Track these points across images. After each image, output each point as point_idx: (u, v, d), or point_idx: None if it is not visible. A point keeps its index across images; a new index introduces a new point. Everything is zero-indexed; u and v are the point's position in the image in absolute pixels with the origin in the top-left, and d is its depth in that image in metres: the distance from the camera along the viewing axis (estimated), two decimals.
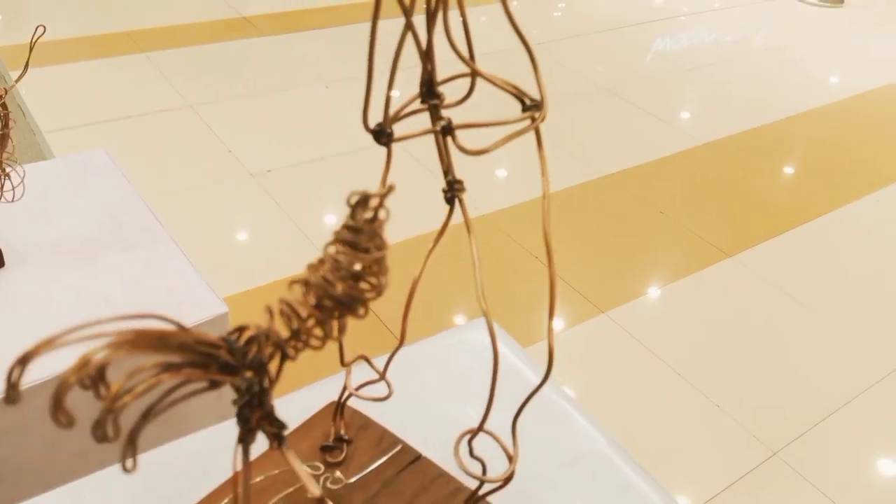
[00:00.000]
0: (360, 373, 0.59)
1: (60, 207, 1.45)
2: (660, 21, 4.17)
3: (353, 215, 0.29)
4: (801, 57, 3.92)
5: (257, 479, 0.53)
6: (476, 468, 0.50)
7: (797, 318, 2.10)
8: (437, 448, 0.58)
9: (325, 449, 0.57)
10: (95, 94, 2.81)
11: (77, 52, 3.07)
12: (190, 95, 2.85)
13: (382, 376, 0.55)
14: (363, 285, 0.29)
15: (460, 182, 0.41)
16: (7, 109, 1.30)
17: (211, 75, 3.04)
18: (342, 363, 0.53)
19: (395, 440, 0.59)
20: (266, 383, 0.29)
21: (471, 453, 0.49)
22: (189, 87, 2.91)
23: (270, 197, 2.30)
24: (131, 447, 0.25)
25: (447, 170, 0.41)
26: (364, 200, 0.29)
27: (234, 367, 0.28)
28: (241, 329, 0.29)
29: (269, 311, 0.30)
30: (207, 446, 0.64)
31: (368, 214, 0.29)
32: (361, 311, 0.29)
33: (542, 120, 0.41)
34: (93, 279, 1.24)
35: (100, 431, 0.24)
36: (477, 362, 0.77)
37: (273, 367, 0.30)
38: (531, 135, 0.42)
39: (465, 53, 0.38)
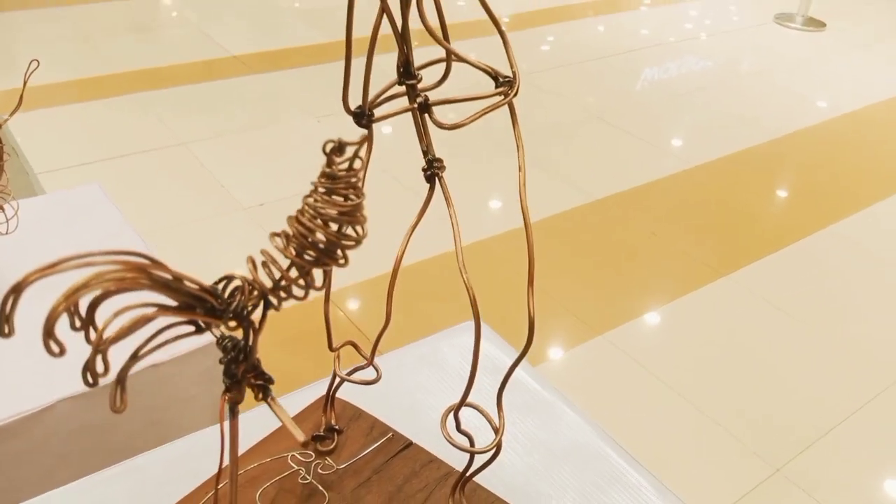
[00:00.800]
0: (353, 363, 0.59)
1: (54, 241, 1.46)
2: (646, 49, 4.23)
3: (328, 163, 0.30)
4: (786, 80, 3.98)
5: (249, 467, 0.53)
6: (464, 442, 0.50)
7: (793, 335, 2.11)
8: (429, 442, 0.58)
9: (317, 438, 0.58)
10: (88, 135, 2.83)
11: (68, 94, 3.10)
12: (182, 133, 2.87)
13: (370, 361, 0.56)
14: (342, 232, 0.30)
15: (440, 160, 0.42)
16: (1, 143, 1.31)
17: (202, 113, 3.07)
18: (330, 348, 0.53)
19: (387, 429, 0.59)
20: (250, 334, 0.30)
21: (458, 427, 0.50)
22: (180, 125, 2.94)
23: (263, 230, 2.31)
24: (120, 387, 0.26)
25: (426, 149, 0.42)
26: (339, 148, 0.30)
27: (219, 311, 0.29)
28: (227, 278, 0.30)
29: (252, 262, 0.31)
30: (200, 449, 0.65)
31: (344, 163, 0.30)
32: (342, 259, 0.30)
33: (515, 95, 0.42)
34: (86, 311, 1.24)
35: (90, 371, 0.24)
36: (468, 362, 0.77)
37: (256, 317, 0.30)
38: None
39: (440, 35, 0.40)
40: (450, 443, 0.48)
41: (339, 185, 0.30)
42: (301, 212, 0.31)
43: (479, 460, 0.49)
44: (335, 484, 0.54)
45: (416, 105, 0.42)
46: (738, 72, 4.05)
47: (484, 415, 0.50)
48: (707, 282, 2.32)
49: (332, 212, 0.30)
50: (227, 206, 2.46)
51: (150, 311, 0.27)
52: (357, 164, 0.30)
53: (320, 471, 0.55)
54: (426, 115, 0.42)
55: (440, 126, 0.41)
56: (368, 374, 0.56)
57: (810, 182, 2.98)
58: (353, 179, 0.30)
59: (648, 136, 3.20)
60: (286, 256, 0.31)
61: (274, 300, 0.31)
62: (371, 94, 0.41)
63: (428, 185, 0.43)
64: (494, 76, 0.43)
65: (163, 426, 1.15)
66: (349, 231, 0.31)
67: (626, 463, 0.65)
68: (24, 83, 1.28)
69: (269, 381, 0.32)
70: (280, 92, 3.33)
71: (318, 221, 0.30)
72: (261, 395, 0.32)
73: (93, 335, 0.25)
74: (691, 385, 1.90)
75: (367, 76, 0.40)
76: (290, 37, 3.94)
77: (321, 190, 0.30)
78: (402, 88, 0.43)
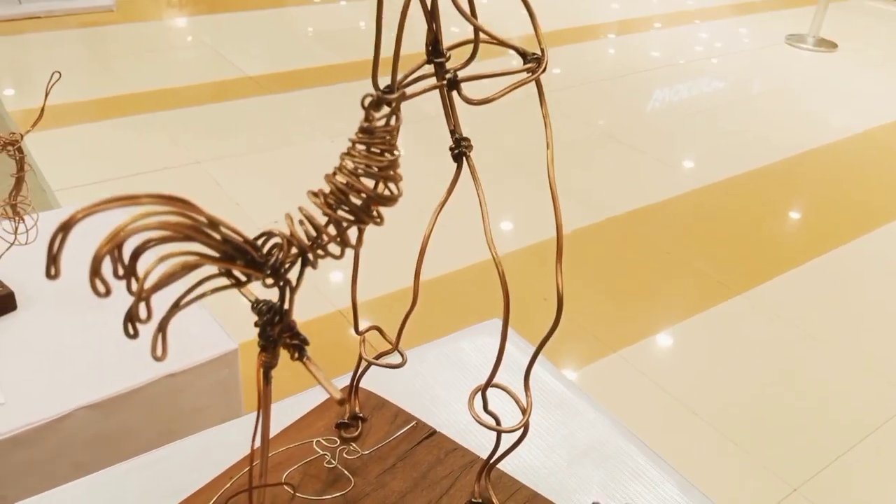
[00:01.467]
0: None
1: (72, 252, 1.46)
2: (658, 69, 4.25)
3: (366, 117, 0.31)
4: (799, 99, 3.98)
5: (274, 453, 0.53)
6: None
7: (810, 353, 2.09)
8: (451, 435, 0.58)
9: (341, 426, 0.58)
10: (104, 154, 2.86)
11: (85, 114, 3.14)
12: (197, 152, 2.89)
13: (395, 347, 0.56)
14: (379, 188, 0.31)
15: (467, 139, 0.42)
16: (22, 153, 1.33)
17: (217, 133, 3.10)
18: (356, 331, 0.53)
19: (410, 417, 0.59)
20: (286, 293, 0.30)
21: (485, 407, 0.50)
22: (196, 144, 2.96)
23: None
24: (162, 335, 0.26)
25: (454, 128, 0.43)
26: (377, 102, 0.30)
27: (259, 264, 0.29)
28: (266, 234, 0.30)
29: (290, 219, 0.31)
30: (214, 443, 0.64)
31: (381, 120, 0.30)
32: (377, 217, 0.30)
33: (543, 71, 0.43)
34: (104, 322, 1.25)
35: (132, 320, 0.24)
36: (489, 360, 0.76)
37: (293, 277, 0.30)
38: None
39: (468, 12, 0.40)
40: (477, 421, 0.48)
41: (376, 139, 0.30)
42: (339, 168, 0.31)
43: (506, 444, 0.48)
44: (360, 470, 0.54)
45: (444, 82, 0.42)
46: (750, 92, 4.05)
47: (511, 395, 0.49)
48: (723, 300, 2.31)
49: (371, 168, 0.30)
50: (242, 224, 2.47)
51: (192, 258, 0.27)
52: (393, 121, 0.30)
53: (346, 455, 0.55)
54: (454, 93, 0.42)
55: (468, 101, 0.42)
56: (394, 359, 0.56)
57: (824, 200, 2.97)
58: (389, 137, 0.30)
59: (662, 154, 3.20)
60: (324, 214, 0.31)
61: (311, 257, 0.31)
62: (400, 75, 0.41)
63: (455, 165, 0.43)
64: (523, 54, 0.44)
65: (178, 436, 1.15)
66: (384, 190, 0.31)
67: (648, 459, 0.65)
68: (46, 94, 1.29)
69: (305, 341, 0.32)
70: (294, 112, 3.35)
71: (356, 178, 0.30)
72: (297, 355, 0.32)
73: (134, 286, 0.25)
74: (707, 403, 1.88)
75: (397, 55, 0.41)
76: (304, 58, 3.97)
77: (359, 146, 0.31)
78: (431, 69, 0.43)
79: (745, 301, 2.28)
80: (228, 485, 0.50)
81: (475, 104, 0.41)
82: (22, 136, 1.32)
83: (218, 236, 0.28)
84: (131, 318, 0.25)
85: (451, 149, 0.43)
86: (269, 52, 4.05)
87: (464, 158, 0.43)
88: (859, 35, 5.18)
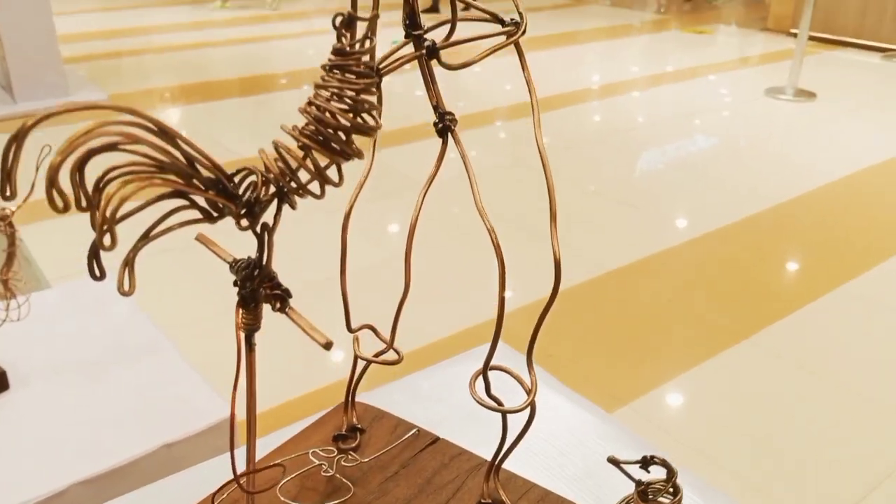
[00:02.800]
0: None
1: (65, 328, 1.45)
2: (644, 128, 4.32)
3: (338, 37, 0.29)
4: (784, 148, 4.03)
5: (270, 465, 0.50)
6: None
7: (821, 395, 2.05)
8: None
9: (339, 438, 0.55)
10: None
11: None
12: (187, 235, 2.89)
13: (390, 345, 0.54)
14: (358, 117, 0.29)
15: (451, 113, 0.41)
16: (13, 228, 1.32)
17: None
18: (349, 329, 0.51)
19: (411, 426, 0.56)
20: (264, 238, 0.28)
21: (487, 391, 0.47)
22: (186, 227, 2.97)
23: (278, 317, 2.30)
24: (129, 268, 0.24)
25: (436, 103, 0.42)
26: (349, 21, 0.29)
27: (232, 194, 0.27)
28: (244, 170, 0.29)
29: (265, 155, 0.29)
30: (202, 480, 0.61)
31: (356, 42, 0.29)
32: (356, 151, 0.29)
33: (522, 34, 0.42)
34: (98, 397, 1.23)
35: (96, 255, 0.23)
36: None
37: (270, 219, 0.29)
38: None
39: None
40: (480, 404, 0.45)
41: (350, 61, 0.29)
42: (312, 98, 0.30)
43: (512, 437, 0.46)
44: (360, 479, 0.51)
45: (423, 51, 0.42)
46: (735, 144, 4.11)
47: (513, 376, 0.47)
48: (728, 346, 2.28)
49: (344, 93, 0.29)
50: (234, 301, 2.46)
51: (159, 177, 0.25)
52: (368, 43, 0.29)
53: (344, 464, 0.52)
54: (433, 66, 0.41)
55: (448, 67, 0.41)
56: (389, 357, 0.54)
57: (817, 244, 2.98)
58: (365, 57, 0.29)
59: (654, 209, 3.22)
60: (300, 147, 0.30)
61: (290, 196, 0.29)
62: (379, 55, 0.41)
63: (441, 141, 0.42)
64: (501, 20, 0.43)
65: (166, 466, 1.12)
66: (364, 113, 0.29)
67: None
68: (37, 168, 1.29)
69: (287, 292, 0.30)
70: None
71: (333, 104, 0.29)
72: (279, 306, 0.30)
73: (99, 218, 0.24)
74: (721, 450, 1.84)
75: (372, 27, 0.40)
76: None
77: (333, 69, 0.29)
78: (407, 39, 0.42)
79: (751, 346, 2.26)
80: (224, 496, 0.47)
81: (455, 69, 0.40)
82: (13, 212, 1.32)
83: (180, 154, 0.26)
84: (95, 253, 0.23)
85: (435, 124, 0.42)
86: (261, 135, 4.11)
87: (448, 133, 0.42)
88: (836, 84, 5.29)
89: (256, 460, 0.39)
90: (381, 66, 0.39)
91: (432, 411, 0.65)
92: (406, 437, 0.56)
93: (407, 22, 0.42)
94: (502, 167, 3.67)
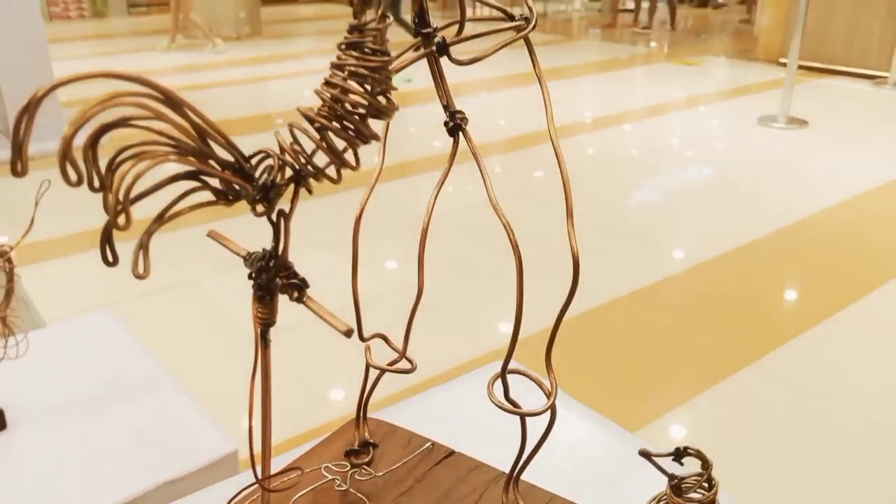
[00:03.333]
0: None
1: (63, 365, 1.43)
2: (639, 159, 4.34)
3: (355, 14, 0.29)
4: (778, 175, 4.05)
5: (282, 481, 0.48)
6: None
7: (828, 419, 2.03)
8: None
9: (351, 453, 0.53)
10: (96, 282, 2.84)
11: (76, 245, 3.14)
12: (190, 273, 2.89)
13: (403, 354, 0.52)
14: (373, 95, 0.28)
15: (461, 112, 0.41)
16: (12, 264, 1.31)
17: (209, 253, 3.10)
18: (361, 338, 0.50)
19: (425, 440, 0.54)
20: (280, 224, 0.27)
21: (506, 394, 0.46)
22: (188, 266, 2.96)
23: (275, 356, 2.28)
24: (143, 251, 0.23)
25: (447, 103, 0.41)
26: None
27: (248, 175, 0.26)
28: (262, 153, 0.28)
29: (281, 138, 0.28)
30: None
31: (372, 20, 0.28)
32: (372, 134, 0.28)
33: (532, 29, 0.41)
34: (98, 434, 1.21)
35: (109, 242, 0.22)
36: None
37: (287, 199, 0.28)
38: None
39: None
40: (499, 407, 0.44)
41: (367, 38, 0.28)
42: (330, 76, 0.29)
43: (532, 444, 0.44)
44: (375, 494, 0.49)
45: (433, 48, 0.41)
46: (730, 173, 4.13)
47: (532, 379, 0.46)
48: (732, 372, 2.27)
49: (361, 70, 0.28)
50: (238, 337, 2.44)
51: (170, 155, 0.24)
52: (385, 21, 0.29)
53: (358, 478, 0.50)
54: (442, 66, 0.41)
55: (458, 63, 0.40)
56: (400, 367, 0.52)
57: (817, 269, 2.98)
58: (379, 35, 0.29)
59: (654, 238, 3.23)
60: (316, 126, 0.29)
61: (306, 179, 0.28)
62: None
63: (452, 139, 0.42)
64: (511, 16, 0.43)
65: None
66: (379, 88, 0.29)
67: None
68: (36, 203, 1.29)
69: (304, 281, 0.29)
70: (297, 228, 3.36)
71: (350, 83, 0.28)
72: (296, 295, 0.29)
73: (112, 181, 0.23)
74: (732, 476, 1.81)
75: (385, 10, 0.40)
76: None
77: (349, 47, 0.29)
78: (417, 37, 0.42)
79: (756, 371, 2.24)
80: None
81: (465, 64, 0.40)
82: (11, 248, 1.31)
83: (193, 130, 0.25)
84: (108, 236, 0.22)
85: (446, 122, 0.41)
86: None
87: (459, 132, 0.41)
88: (828, 111, 5.34)
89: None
90: (393, 66, 0.39)
91: (444, 429, 0.64)
92: (420, 450, 0.54)
93: (416, 20, 0.42)
94: (504, 199, 3.67)
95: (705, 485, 0.36)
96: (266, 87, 6.36)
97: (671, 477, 0.37)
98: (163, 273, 2.89)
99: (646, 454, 0.35)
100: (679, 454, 0.36)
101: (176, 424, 1.29)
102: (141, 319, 2.56)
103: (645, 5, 9.72)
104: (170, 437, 1.26)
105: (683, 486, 0.36)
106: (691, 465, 0.37)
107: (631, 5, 10.49)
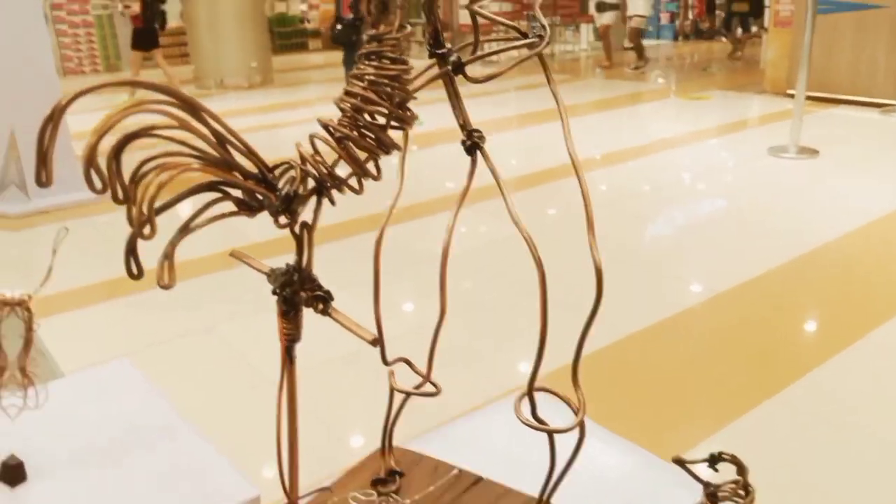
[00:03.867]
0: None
1: (83, 415, 1.42)
2: (652, 193, 4.34)
3: (374, 24, 0.29)
4: (792, 205, 4.04)
5: (320, 488, 0.47)
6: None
7: (853, 448, 1.99)
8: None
9: (378, 482, 0.52)
10: (113, 332, 2.85)
11: (92, 296, 3.16)
12: (207, 319, 2.89)
13: (427, 378, 0.52)
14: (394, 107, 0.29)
15: (479, 131, 0.41)
16: (31, 312, 1.32)
17: (225, 298, 3.10)
18: (384, 362, 0.49)
19: (452, 467, 0.53)
20: (304, 237, 0.27)
21: (533, 412, 0.45)
22: (203, 311, 2.97)
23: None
24: (168, 262, 0.23)
25: (463, 122, 0.41)
26: (383, 3, 0.29)
27: (271, 184, 0.26)
28: (285, 164, 0.28)
29: (301, 150, 0.28)
30: None
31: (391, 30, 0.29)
32: (392, 144, 0.28)
33: (546, 46, 0.42)
34: (118, 482, 1.20)
35: (133, 253, 0.22)
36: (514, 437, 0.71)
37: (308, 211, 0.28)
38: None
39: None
40: (527, 425, 0.43)
41: (385, 46, 0.29)
42: (349, 85, 0.29)
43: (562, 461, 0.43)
44: None
45: (449, 66, 0.41)
46: (743, 203, 4.12)
47: (560, 397, 0.45)
48: (753, 405, 2.23)
49: (382, 79, 0.28)
50: (257, 381, 2.43)
51: (194, 163, 0.24)
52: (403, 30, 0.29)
53: None
54: (458, 84, 0.41)
55: (474, 81, 0.41)
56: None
57: (835, 297, 2.96)
58: (398, 43, 0.29)
59: (669, 271, 3.22)
60: (337, 136, 0.29)
61: (329, 190, 0.28)
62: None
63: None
64: (524, 34, 0.43)
65: None
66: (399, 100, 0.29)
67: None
68: (54, 251, 1.30)
69: (329, 293, 0.29)
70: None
71: (370, 93, 0.28)
72: (321, 307, 0.29)
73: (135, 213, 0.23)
74: None
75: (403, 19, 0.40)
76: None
77: (369, 57, 0.29)
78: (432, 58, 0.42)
79: (778, 403, 2.21)
80: None
81: (481, 82, 0.40)
82: (30, 297, 1.32)
83: (207, 131, 0.25)
84: (132, 249, 0.22)
85: (463, 142, 0.42)
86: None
87: (477, 150, 0.41)
88: (837, 140, 5.34)
89: None
90: (413, 85, 0.39)
91: (470, 458, 0.63)
92: (447, 478, 0.53)
93: (431, 42, 0.42)
94: (516, 237, 3.67)
95: (741, 492, 0.35)
96: (277, 135, 6.43)
97: (706, 485, 0.36)
98: (178, 320, 2.89)
99: (679, 461, 0.35)
100: (714, 460, 0.35)
101: (196, 470, 1.28)
102: (158, 367, 2.56)
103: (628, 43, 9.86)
104: (191, 482, 1.25)
105: (720, 493, 0.35)
106: (726, 473, 0.36)
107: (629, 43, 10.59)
